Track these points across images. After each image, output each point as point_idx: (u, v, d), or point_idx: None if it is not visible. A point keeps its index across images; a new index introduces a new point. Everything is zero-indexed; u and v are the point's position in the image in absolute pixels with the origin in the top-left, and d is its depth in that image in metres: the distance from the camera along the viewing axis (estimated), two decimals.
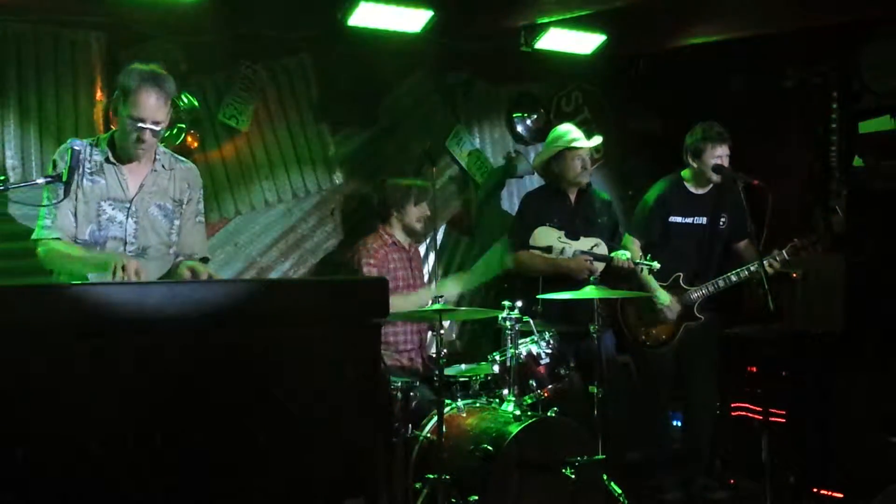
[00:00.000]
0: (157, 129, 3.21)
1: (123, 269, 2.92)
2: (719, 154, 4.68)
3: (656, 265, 4.55)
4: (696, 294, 4.76)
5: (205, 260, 3.54)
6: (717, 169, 4.68)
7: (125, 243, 3.29)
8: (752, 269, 4.55)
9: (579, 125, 5.46)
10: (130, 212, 3.30)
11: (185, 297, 2.28)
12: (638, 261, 4.60)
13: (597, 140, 4.89)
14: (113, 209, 3.28)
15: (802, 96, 5.65)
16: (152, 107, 3.17)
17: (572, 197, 4.90)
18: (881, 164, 5.29)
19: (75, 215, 3.24)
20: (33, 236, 3.26)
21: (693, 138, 4.74)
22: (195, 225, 3.51)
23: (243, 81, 4.67)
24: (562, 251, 4.66)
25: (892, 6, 4.63)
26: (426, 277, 5.14)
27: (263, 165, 4.78)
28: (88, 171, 3.27)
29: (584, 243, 4.75)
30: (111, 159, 3.30)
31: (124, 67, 3.30)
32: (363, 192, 5.09)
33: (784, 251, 4.58)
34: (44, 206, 3.22)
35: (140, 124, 3.17)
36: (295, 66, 4.88)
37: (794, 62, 5.68)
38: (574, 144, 4.78)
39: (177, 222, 3.43)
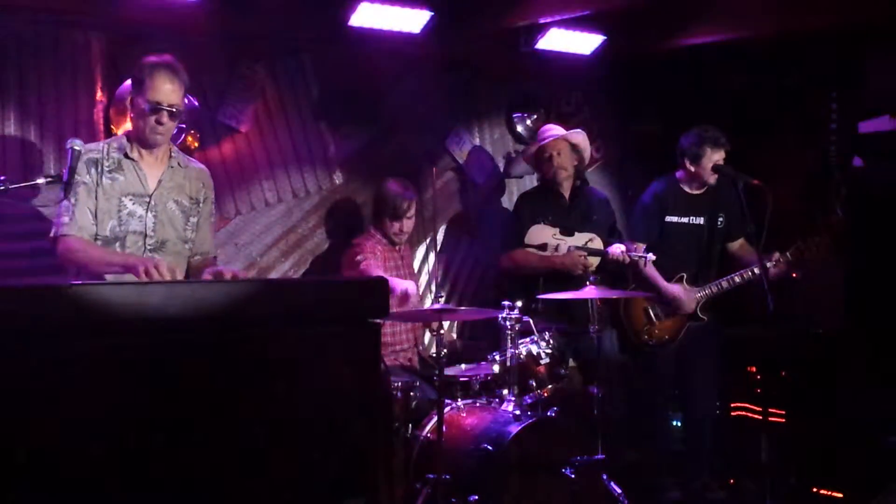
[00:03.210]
0: (174, 112, 3.29)
1: (152, 270, 2.92)
2: (717, 160, 4.69)
3: (651, 256, 4.56)
4: (700, 294, 4.76)
5: (215, 258, 3.63)
6: (718, 169, 4.69)
7: (145, 236, 3.35)
8: (755, 271, 4.55)
9: (578, 126, 5.48)
10: (150, 206, 3.37)
11: (185, 297, 2.28)
12: (632, 253, 4.60)
13: (551, 137, 4.85)
14: (133, 204, 3.35)
15: (802, 96, 5.65)
16: (168, 91, 3.27)
17: (566, 194, 4.92)
18: (881, 164, 5.29)
19: (95, 214, 3.28)
20: (52, 234, 3.30)
21: (690, 142, 4.74)
22: (210, 225, 3.62)
23: (243, 81, 4.67)
24: (556, 248, 4.67)
25: (892, 6, 4.63)
26: (424, 280, 5.14)
27: (263, 165, 4.78)
28: (107, 169, 3.33)
29: (579, 238, 4.77)
30: (129, 155, 3.36)
31: (136, 63, 3.37)
32: (363, 193, 5.09)
33: (788, 253, 4.59)
34: (46, 206, 3.26)
35: (158, 107, 3.25)
36: (295, 66, 4.88)
37: (794, 62, 5.68)
38: (536, 145, 4.87)
39: (192, 219, 3.51)
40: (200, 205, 3.53)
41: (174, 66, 3.32)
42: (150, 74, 3.26)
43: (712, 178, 4.73)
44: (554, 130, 4.90)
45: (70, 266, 3.30)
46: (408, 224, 4.68)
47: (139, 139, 3.36)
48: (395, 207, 4.61)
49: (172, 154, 3.47)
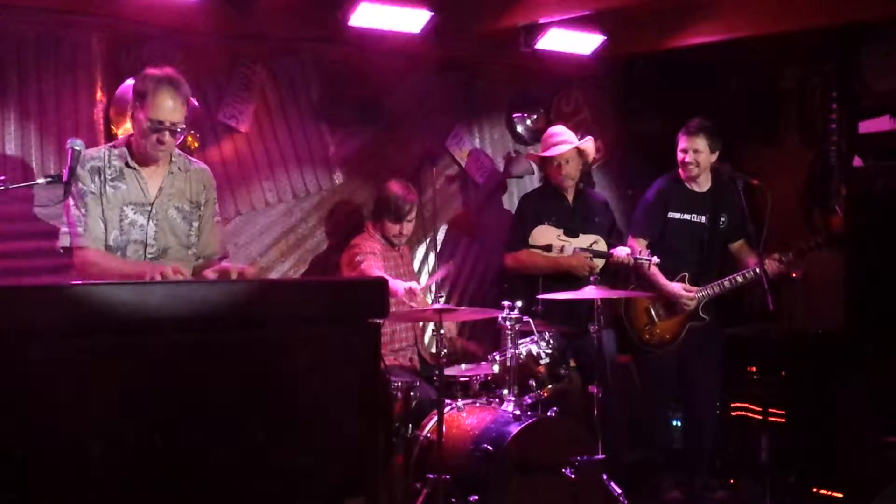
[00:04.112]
0: (176, 130, 3.27)
1: (157, 277, 2.95)
2: (683, 147, 4.70)
3: (655, 259, 4.56)
4: (702, 294, 4.76)
5: (223, 258, 3.60)
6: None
7: (145, 245, 3.34)
8: (756, 270, 4.54)
9: (578, 125, 5.48)
10: (151, 214, 3.35)
11: (185, 297, 2.28)
12: (637, 256, 4.61)
13: (564, 147, 4.78)
14: (135, 213, 3.33)
15: (802, 96, 5.65)
16: (169, 108, 3.23)
17: (569, 196, 4.91)
18: (881, 164, 5.29)
19: (103, 221, 3.27)
20: (65, 243, 3.28)
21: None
22: (214, 226, 3.58)
23: (243, 81, 4.67)
24: (561, 249, 4.67)
25: (891, 6, 4.64)
26: (424, 279, 5.14)
27: (263, 165, 4.78)
28: (110, 177, 3.31)
29: (584, 240, 4.77)
30: (130, 164, 3.34)
31: (139, 73, 3.35)
32: (363, 193, 5.10)
33: (790, 253, 4.59)
34: (47, 205, 3.25)
35: (159, 126, 3.23)
36: (295, 66, 4.88)
37: (794, 62, 5.68)
38: (545, 153, 4.80)
39: (195, 224, 3.49)
40: (201, 208, 3.50)
41: (176, 80, 3.27)
42: (152, 91, 3.21)
43: (693, 170, 4.72)
44: (563, 136, 4.85)
45: (87, 278, 3.28)
46: (408, 227, 4.69)
47: (140, 153, 3.34)
48: (396, 210, 4.61)
49: (173, 159, 3.43)
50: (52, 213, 3.92)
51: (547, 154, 4.83)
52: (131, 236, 3.32)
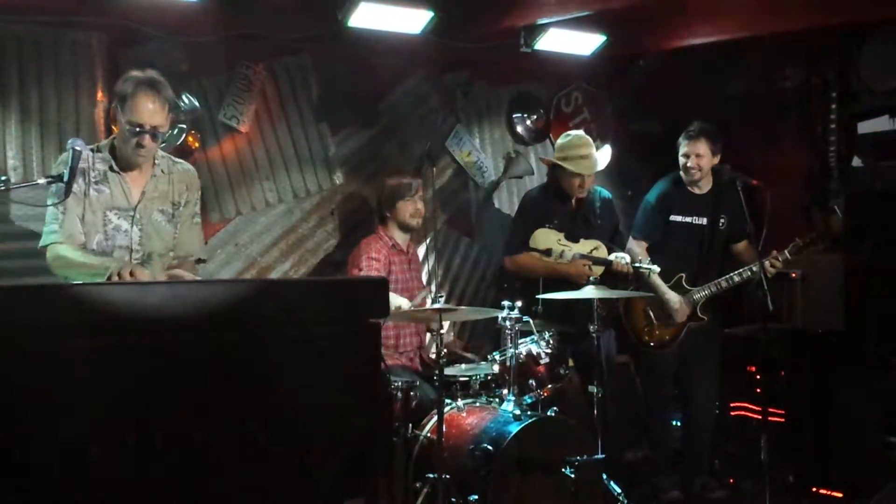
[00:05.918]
0: (156, 133, 3.22)
1: (119, 275, 2.94)
2: (685, 152, 4.70)
3: (656, 269, 4.55)
4: (700, 294, 4.77)
5: (200, 261, 3.56)
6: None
7: (131, 251, 3.30)
8: (754, 269, 4.55)
9: (578, 126, 5.46)
10: (135, 220, 3.32)
11: (185, 297, 2.28)
12: (637, 265, 4.59)
13: (594, 166, 4.74)
14: (118, 218, 3.30)
15: (802, 96, 5.65)
16: (149, 111, 3.18)
17: (573, 199, 4.88)
18: (880, 164, 5.29)
19: (83, 222, 3.25)
20: (41, 242, 3.25)
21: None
22: (192, 226, 3.51)
23: (243, 81, 4.67)
24: (561, 254, 4.63)
25: (891, 6, 4.64)
26: (424, 279, 5.14)
27: (263, 165, 4.78)
28: (94, 180, 3.28)
29: (585, 246, 4.71)
30: (114, 168, 3.31)
31: (122, 75, 3.31)
32: (363, 193, 5.11)
33: (786, 251, 4.59)
34: (47, 206, 3.23)
35: (139, 129, 3.18)
36: (295, 66, 4.89)
37: (793, 62, 5.68)
38: (569, 167, 4.70)
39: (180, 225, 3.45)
40: (181, 208, 3.45)
41: (157, 82, 3.22)
42: (132, 93, 3.17)
43: (696, 174, 4.72)
44: (589, 149, 4.73)
45: (58, 274, 3.23)
46: (420, 204, 4.69)
47: (122, 157, 3.30)
48: (407, 189, 4.64)
49: (157, 161, 3.38)
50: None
51: (576, 170, 4.69)
52: (117, 241, 3.28)
